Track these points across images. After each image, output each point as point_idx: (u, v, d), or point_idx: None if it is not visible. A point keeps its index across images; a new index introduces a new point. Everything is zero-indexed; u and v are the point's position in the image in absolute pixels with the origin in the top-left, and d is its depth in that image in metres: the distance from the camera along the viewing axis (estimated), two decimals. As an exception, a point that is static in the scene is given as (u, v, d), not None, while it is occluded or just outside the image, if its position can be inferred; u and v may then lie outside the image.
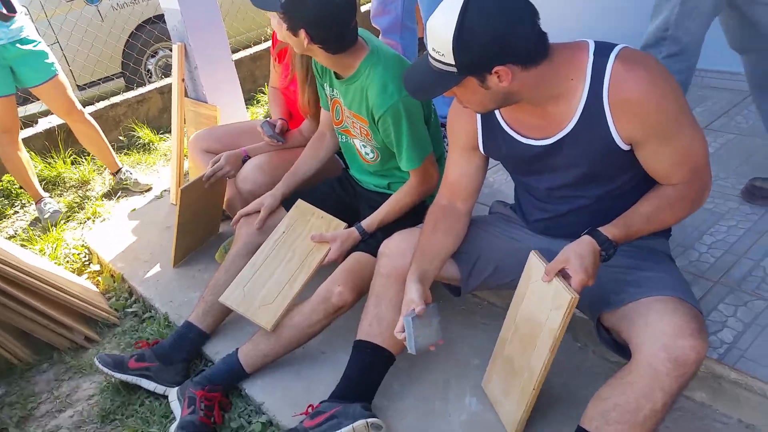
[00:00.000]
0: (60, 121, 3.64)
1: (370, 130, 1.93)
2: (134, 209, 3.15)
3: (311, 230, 2.04)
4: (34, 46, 2.99)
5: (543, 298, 1.43)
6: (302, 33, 1.75)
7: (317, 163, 2.24)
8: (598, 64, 1.31)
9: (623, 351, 1.46)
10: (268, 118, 2.45)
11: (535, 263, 1.47)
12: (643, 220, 1.41)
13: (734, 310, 1.76)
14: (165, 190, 3.30)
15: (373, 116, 1.87)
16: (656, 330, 1.31)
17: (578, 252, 1.36)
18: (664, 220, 1.43)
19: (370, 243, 1.94)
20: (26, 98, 4.04)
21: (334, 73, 1.96)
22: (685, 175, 1.37)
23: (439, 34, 1.25)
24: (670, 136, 1.32)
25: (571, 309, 1.34)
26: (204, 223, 2.61)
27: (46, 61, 3.03)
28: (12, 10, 2.86)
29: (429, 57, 1.32)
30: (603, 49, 1.32)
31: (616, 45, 1.33)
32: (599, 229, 1.39)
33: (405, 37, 3.00)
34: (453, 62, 1.25)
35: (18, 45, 2.92)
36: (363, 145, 2.02)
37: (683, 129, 1.32)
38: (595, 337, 1.53)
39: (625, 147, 1.36)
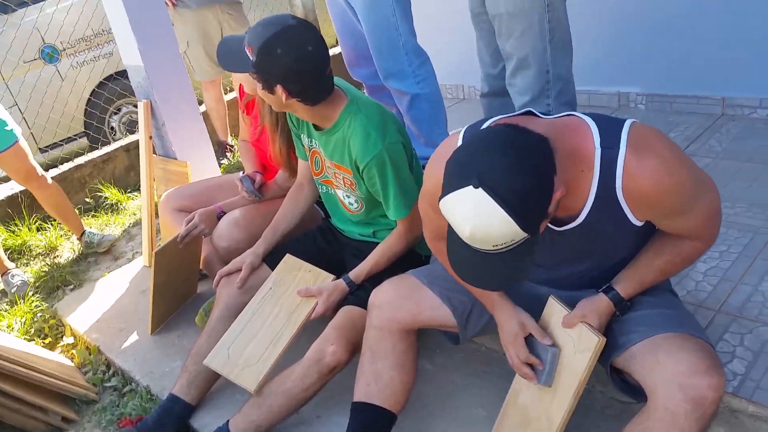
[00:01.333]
0: (22, 188, 3.51)
1: (354, 180, 1.87)
2: (105, 274, 3.02)
3: (298, 284, 1.96)
4: (-7, 114, 2.89)
5: (565, 343, 1.38)
6: (279, 89, 1.70)
7: (297, 216, 2.16)
8: (606, 156, 1.23)
9: (637, 393, 1.40)
10: (243, 173, 2.38)
11: (556, 308, 1.43)
12: (656, 274, 1.39)
13: (740, 339, 1.72)
14: (137, 252, 3.18)
15: (357, 166, 1.81)
16: (669, 370, 1.25)
17: (597, 311, 1.34)
18: (677, 269, 1.42)
19: (359, 295, 1.87)
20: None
21: (313, 124, 1.90)
22: (700, 231, 1.34)
23: (497, 233, 1.11)
24: (685, 212, 1.28)
25: (599, 351, 1.31)
26: (181, 285, 2.50)
27: (5, 129, 2.91)
28: None
29: (488, 252, 1.16)
30: (609, 138, 1.24)
31: (621, 129, 1.24)
32: (615, 287, 1.37)
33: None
34: (525, 235, 1.13)
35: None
36: (346, 195, 1.95)
37: (699, 199, 1.28)
38: (607, 381, 1.47)
39: (639, 223, 1.31)
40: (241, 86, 2.36)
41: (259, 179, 2.32)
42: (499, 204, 1.08)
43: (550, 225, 1.35)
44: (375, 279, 1.83)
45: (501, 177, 1.09)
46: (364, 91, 2.90)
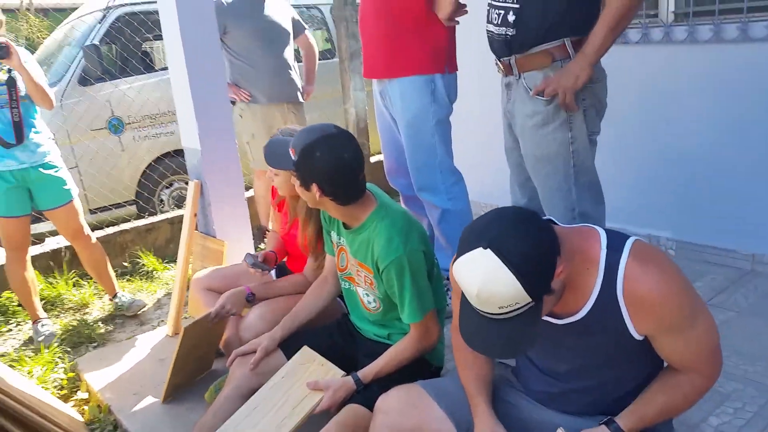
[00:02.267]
0: (67, 243, 3.71)
1: (374, 279, 1.99)
2: (129, 337, 3.13)
3: (309, 377, 2.02)
4: (55, 172, 3.13)
5: None
6: (314, 187, 1.88)
7: (318, 307, 2.27)
8: (611, 260, 1.35)
9: None
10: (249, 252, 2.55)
11: None
12: (657, 411, 1.43)
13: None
14: (162, 321, 3.30)
15: (378, 267, 1.93)
16: None
17: None
18: (678, 408, 1.46)
19: (365, 394, 1.92)
20: (37, 217, 4.15)
21: (343, 222, 2.05)
22: (699, 363, 1.40)
23: (503, 293, 1.22)
24: (683, 330, 1.35)
25: None
26: (199, 360, 2.58)
27: (64, 187, 3.15)
28: (20, 139, 2.98)
29: (494, 317, 1.27)
30: (615, 243, 1.37)
31: (628, 238, 1.38)
32: (616, 420, 1.41)
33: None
34: (529, 299, 1.24)
35: (40, 169, 3.05)
36: (366, 293, 2.06)
37: (696, 322, 1.35)
38: None
39: (639, 337, 1.39)
40: (273, 187, 2.57)
41: (263, 254, 2.49)
42: (506, 264, 1.20)
43: (552, 319, 1.43)
44: (383, 381, 1.89)
45: (509, 242, 1.22)
46: (400, 199, 3.07)
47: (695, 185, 3.18)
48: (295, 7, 5.59)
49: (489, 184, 3.75)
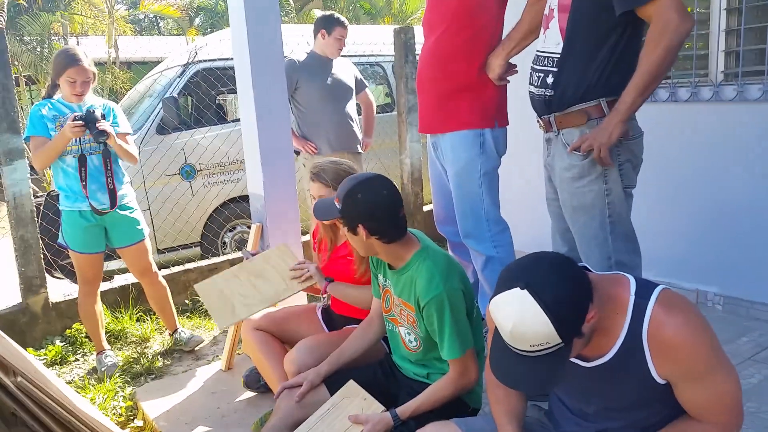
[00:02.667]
0: (134, 280, 3.94)
1: (416, 317, 2.08)
2: (185, 371, 3.29)
3: (352, 410, 2.10)
4: (130, 213, 3.37)
5: None
6: (360, 228, 2.01)
7: (363, 347, 2.37)
8: (639, 305, 1.42)
9: None
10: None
11: None
12: None
13: None
14: (217, 356, 3.45)
15: (419, 304, 2.03)
16: None
17: None
18: None
19: (402, 430, 1.99)
20: (109, 255, 4.42)
21: (388, 265, 2.16)
22: (716, 415, 1.42)
23: (535, 332, 1.30)
24: (703, 378, 1.39)
25: None
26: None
27: (137, 227, 3.38)
28: (114, 205, 3.23)
29: (524, 354, 1.35)
30: (644, 290, 1.44)
31: (657, 286, 1.45)
32: None
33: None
34: (559, 340, 1.32)
35: (118, 210, 3.30)
36: (407, 332, 2.15)
37: (716, 373, 1.39)
38: None
39: (661, 381, 1.43)
40: (316, 227, 2.78)
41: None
42: (540, 305, 1.28)
43: (581, 361, 1.49)
44: (421, 419, 1.95)
45: (545, 284, 1.31)
46: (448, 245, 3.16)
47: (743, 241, 3.17)
48: (360, 63, 5.91)
49: (534, 233, 3.80)
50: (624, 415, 1.53)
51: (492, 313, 1.37)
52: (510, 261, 2.83)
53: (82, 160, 3.16)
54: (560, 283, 1.33)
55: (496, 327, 1.40)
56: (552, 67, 2.24)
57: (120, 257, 3.58)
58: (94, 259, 3.35)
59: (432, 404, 2.03)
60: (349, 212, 2.04)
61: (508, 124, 2.88)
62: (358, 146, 4.36)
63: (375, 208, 2.01)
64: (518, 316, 1.30)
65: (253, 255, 2.85)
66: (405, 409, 2.04)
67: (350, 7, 16.77)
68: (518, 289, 1.31)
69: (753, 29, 3.19)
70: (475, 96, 2.74)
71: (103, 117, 3.15)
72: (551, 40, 2.27)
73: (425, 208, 5.35)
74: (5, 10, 12.24)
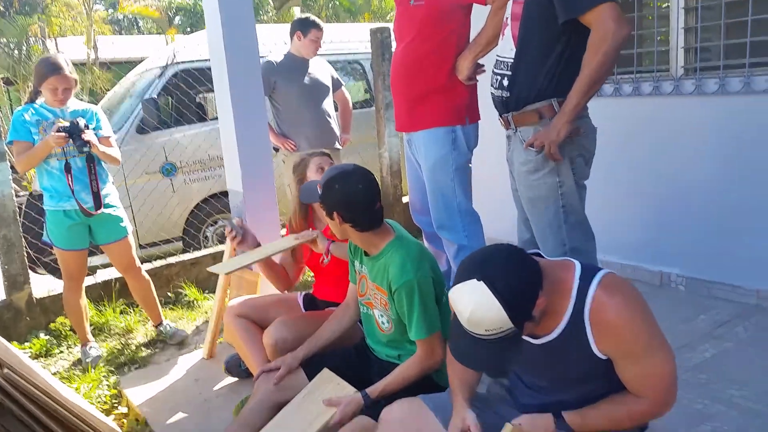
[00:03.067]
0: (117, 275, 4.01)
1: (388, 301, 2.20)
2: (169, 360, 3.38)
3: (326, 396, 2.20)
4: (113, 211, 3.43)
5: None
6: (335, 215, 2.14)
7: (339, 331, 2.48)
8: (582, 288, 1.55)
9: None
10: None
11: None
12: (599, 415, 1.60)
13: None
14: (199, 345, 3.54)
15: (391, 289, 2.15)
16: None
17: (534, 419, 1.58)
18: (621, 423, 1.60)
19: (374, 409, 2.08)
20: (92, 251, 4.49)
21: (364, 252, 2.28)
22: (651, 392, 1.55)
23: (491, 319, 1.43)
24: (639, 357, 1.51)
25: None
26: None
27: (120, 224, 3.46)
28: (99, 207, 3.31)
29: (480, 337, 1.48)
30: (587, 274, 1.57)
31: (600, 270, 1.57)
32: (562, 413, 1.59)
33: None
34: (512, 325, 1.45)
35: (102, 209, 3.38)
36: (381, 314, 2.27)
37: (652, 353, 1.51)
38: None
39: (603, 357, 1.56)
40: (288, 222, 2.96)
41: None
42: (495, 295, 1.42)
43: (531, 339, 1.63)
44: (391, 397, 2.05)
45: (499, 276, 1.44)
46: (423, 235, 3.29)
47: (704, 225, 3.34)
48: (338, 61, 6.00)
49: (503, 222, 3.94)
50: (572, 387, 1.66)
51: (452, 302, 1.51)
52: (481, 249, 2.98)
53: (67, 167, 3.23)
54: (512, 274, 1.46)
55: (455, 313, 1.53)
56: (507, 70, 2.42)
57: (103, 252, 3.66)
58: (79, 255, 3.42)
59: (400, 383, 2.15)
60: (327, 200, 2.17)
61: (479, 119, 3.01)
62: (337, 142, 4.48)
63: (349, 199, 2.13)
64: (475, 305, 1.43)
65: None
66: (374, 389, 2.15)
67: (330, 5, 16.84)
68: (475, 280, 1.44)
69: (709, 27, 3.35)
70: (446, 96, 2.87)
71: (86, 127, 3.22)
72: (506, 46, 2.44)
73: (404, 200, 5.47)
74: (-18, 13, 12.16)
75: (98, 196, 3.31)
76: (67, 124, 3.16)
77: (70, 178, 3.23)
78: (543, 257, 1.67)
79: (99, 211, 3.31)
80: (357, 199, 2.13)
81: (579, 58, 2.23)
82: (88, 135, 3.19)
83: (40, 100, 3.32)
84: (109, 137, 3.41)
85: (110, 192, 3.44)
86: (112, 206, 3.43)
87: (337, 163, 4.38)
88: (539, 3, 2.26)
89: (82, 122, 3.20)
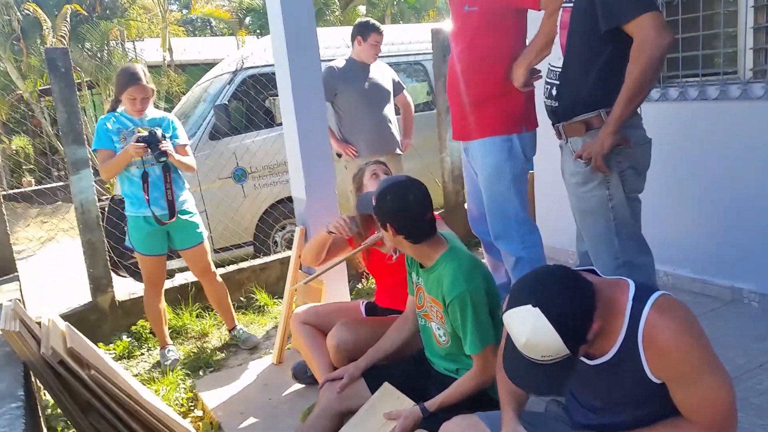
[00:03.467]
0: (194, 279, 4.22)
1: (444, 313, 2.26)
2: (240, 364, 3.55)
3: (386, 409, 2.29)
4: (190, 217, 3.63)
5: None
6: (388, 226, 2.21)
7: (399, 341, 2.56)
8: (635, 309, 1.55)
9: None
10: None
11: None
12: None
13: None
14: (269, 351, 3.70)
15: (445, 301, 2.21)
16: None
17: None
18: None
19: (431, 422, 2.16)
20: (169, 255, 4.73)
21: (420, 264, 2.34)
22: (705, 418, 1.53)
23: (546, 346, 1.46)
24: (691, 382, 1.51)
25: None
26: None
27: (197, 230, 3.65)
28: (173, 216, 3.49)
29: (536, 362, 1.51)
30: (642, 294, 1.57)
31: (656, 291, 1.57)
32: None
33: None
34: (568, 351, 1.47)
35: (179, 215, 3.57)
36: (438, 327, 2.33)
37: (705, 378, 1.50)
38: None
39: (656, 381, 1.56)
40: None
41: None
42: (551, 323, 1.45)
43: (585, 360, 1.64)
44: (448, 411, 2.11)
45: (555, 303, 1.47)
46: (482, 244, 3.32)
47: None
48: (401, 63, 6.05)
49: (566, 233, 3.90)
50: (626, 410, 1.67)
51: (506, 324, 1.54)
52: (539, 261, 3.00)
53: (144, 176, 3.43)
54: (567, 299, 1.49)
55: (508, 333, 1.56)
56: (555, 80, 2.42)
57: (180, 257, 3.86)
58: (158, 260, 3.63)
59: (457, 397, 2.21)
60: (380, 211, 2.24)
61: (537, 126, 3.00)
62: (397, 148, 4.54)
63: (401, 210, 2.19)
64: (531, 332, 1.46)
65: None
66: (433, 402, 2.22)
67: (394, 2, 16.88)
68: (530, 306, 1.47)
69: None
70: (501, 103, 2.88)
71: (164, 137, 3.41)
72: (555, 55, 2.45)
73: (465, 206, 5.47)
74: (68, 20, 12.85)
75: (172, 205, 3.50)
76: (146, 133, 3.35)
77: (146, 187, 3.42)
78: (597, 274, 1.68)
79: (172, 220, 3.49)
80: (408, 210, 2.19)
81: (625, 67, 2.20)
82: (166, 145, 3.38)
83: (120, 109, 3.53)
84: (185, 145, 3.59)
85: (187, 198, 3.63)
86: (188, 212, 3.61)
87: (398, 169, 4.52)
88: (584, 12, 2.25)
89: (159, 132, 3.39)
